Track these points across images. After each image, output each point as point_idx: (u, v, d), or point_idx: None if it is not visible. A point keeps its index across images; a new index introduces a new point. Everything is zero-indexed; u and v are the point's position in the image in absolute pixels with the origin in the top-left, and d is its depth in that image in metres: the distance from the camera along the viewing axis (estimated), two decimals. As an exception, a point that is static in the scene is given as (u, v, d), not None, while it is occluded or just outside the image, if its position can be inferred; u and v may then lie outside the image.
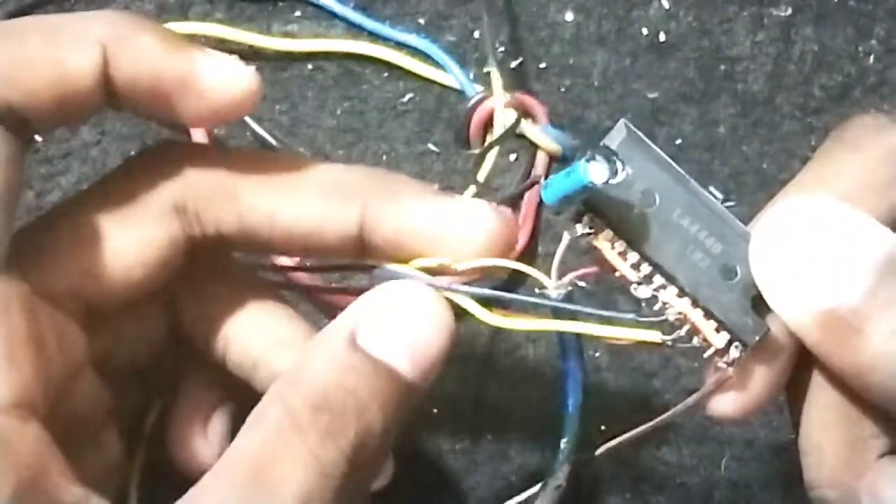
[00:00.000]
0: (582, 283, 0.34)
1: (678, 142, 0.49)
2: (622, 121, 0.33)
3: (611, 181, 0.31)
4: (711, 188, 0.49)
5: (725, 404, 0.34)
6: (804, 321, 0.32)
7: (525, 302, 0.34)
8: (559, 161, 0.49)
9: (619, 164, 0.31)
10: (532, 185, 0.33)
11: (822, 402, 0.34)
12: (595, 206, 0.33)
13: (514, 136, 0.49)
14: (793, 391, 0.34)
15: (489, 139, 0.49)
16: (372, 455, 0.31)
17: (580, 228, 0.33)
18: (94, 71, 0.32)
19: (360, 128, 0.50)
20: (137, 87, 0.33)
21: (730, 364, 0.33)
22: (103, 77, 0.32)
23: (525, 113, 0.48)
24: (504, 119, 0.47)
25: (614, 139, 0.33)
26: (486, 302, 0.34)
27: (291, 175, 0.34)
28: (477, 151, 0.49)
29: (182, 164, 0.35)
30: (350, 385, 0.31)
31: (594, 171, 0.31)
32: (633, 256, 0.33)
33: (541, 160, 0.49)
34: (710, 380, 0.33)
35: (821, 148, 0.36)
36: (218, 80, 0.33)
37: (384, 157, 0.49)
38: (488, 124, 0.49)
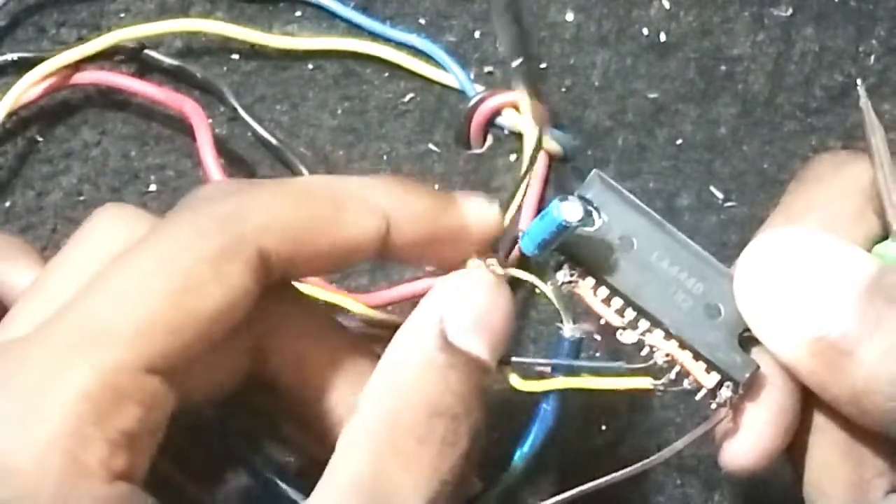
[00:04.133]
0: (597, 336, 0.34)
1: (678, 142, 0.49)
2: (594, 171, 0.33)
3: (587, 229, 0.31)
4: (712, 188, 0.49)
5: (737, 454, 0.33)
6: (796, 351, 0.32)
7: (526, 361, 0.35)
8: (560, 161, 0.49)
9: (594, 213, 0.31)
10: (515, 242, 0.34)
11: (823, 446, 0.33)
12: (574, 255, 0.33)
13: (514, 135, 0.49)
14: (792, 444, 0.34)
15: (489, 140, 0.49)
16: (478, 452, 0.31)
17: (561, 276, 0.33)
18: (376, 239, 0.33)
19: (360, 128, 0.50)
20: (413, 246, 0.34)
21: (722, 404, 0.32)
22: (382, 241, 0.33)
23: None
24: (530, 125, 0.47)
25: (588, 189, 0.33)
26: None
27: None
28: (479, 151, 0.49)
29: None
30: (454, 386, 0.31)
31: (567, 210, 0.31)
32: (617, 302, 0.33)
33: (541, 160, 0.49)
34: (707, 421, 0.33)
35: (787, 189, 0.36)
36: (481, 226, 0.34)
37: (384, 157, 0.49)
38: (489, 124, 0.49)
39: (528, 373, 0.35)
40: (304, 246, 0.32)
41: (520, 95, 0.46)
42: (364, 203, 0.33)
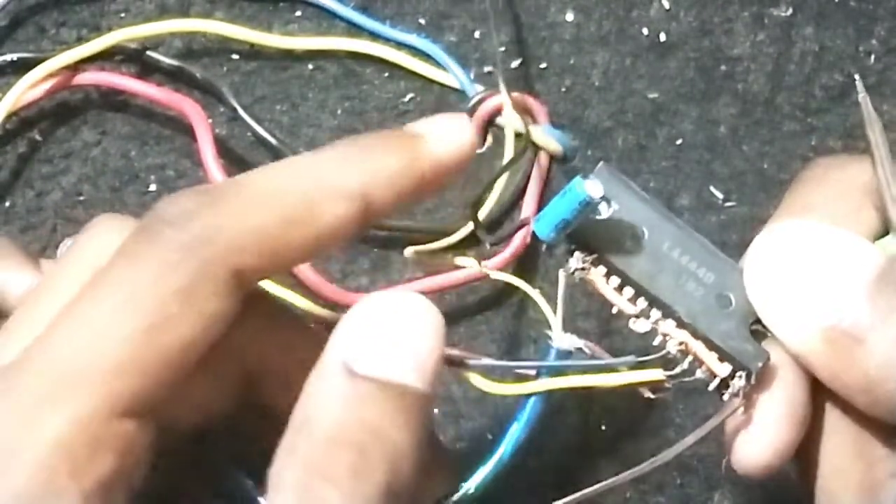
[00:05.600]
0: (587, 350, 0.34)
1: (678, 142, 0.49)
2: (602, 162, 0.33)
3: (598, 216, 0.31)
4: (712, 188, 0.49)
5: (751, 452, 0.33)
6: (808, 341, 0.32)
7: (521, 366, 0.34)
8: (559, 161, 0.49)
9: (604, 202, 0.31)
10: (522, 225, 0.33)
11: (835, 448, 0.33)
12: (586, 242, 0.32)
13: (514, 136, 0.49)
14: (802, 449, 0.34)
15: (489, 140, 0.49)
16: (407, 480, 0.30)
17: (574, 263, 0.33)
18: (354, 222, 0.31)
19: (360, 128, 0.50)
20: (393, 207, 0.32)
21: (735, 394, 0.32)
22: (361, 220, 0.31)
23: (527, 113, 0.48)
24: (511, 123, 0.47)
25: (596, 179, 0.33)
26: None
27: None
28: (479, 151, 0.49)
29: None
30: (363, 416, 0.29)
31: (591, 187, 0.31)
32: (629, 291, 0.33)
33: (541, 160, 0.49)
34: (719, 412, 0.33)
35: (787, 191, 0.36)
36: (456, 155, 0.33)
37: (384, 157, 0.49)
38: (489, 124, 0.49)
39: (509, 375, 0.34)
40: (279, 253, 0.30)
41: (503, 97, 0.46)
42: (339, 189, 0.31)
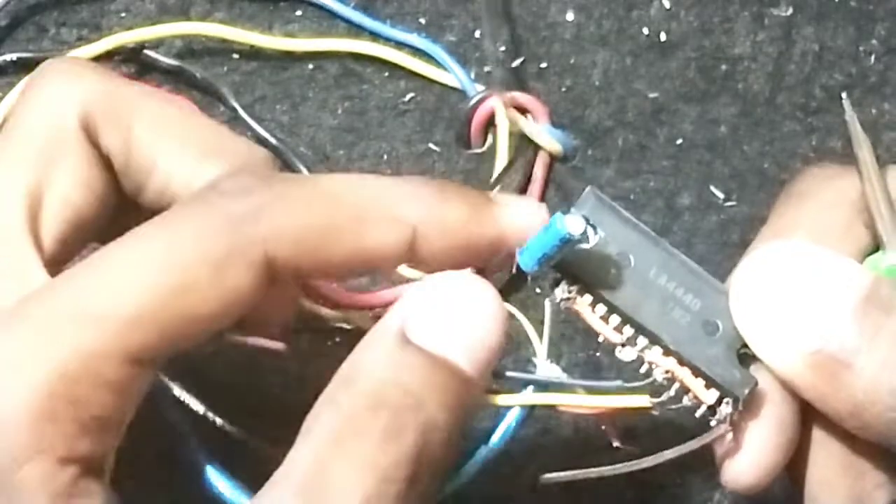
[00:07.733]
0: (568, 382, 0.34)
1: (678, 142, 0.49)
2: (589, 188, 0.33)
3: (584, 245, 0.31)
4: (712, 188, 0.49)
5: (740, 473, 0.33)
6: (794, 365, 0.32)
7: (507, 378, 0.34)
8: (560, 161, 0.49)
9: (590, 229, 0.31)
10: (509, 256, 0.33)
11: (822, 461, 0.33)
12: (571, 272, 0.32)
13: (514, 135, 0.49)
14: (792, 461, 0.34)
15: (489, 141, 0.49)
16: (437, 457, 0.30)
17: (559, 294, 0.33)
18: (399, 251, 0.31)
19: (360, 127, 0.50)
20: (442, 257, 0.32)
21: (722, 421, 0.32)
22: (406, 252, 0.32)
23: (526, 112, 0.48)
24: (505, 121, 0.47)
25: (583, 205, 0.33)
26: None
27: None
28: (480, 151, 0.49)
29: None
30: (406, 382, 0.29)
31: (571, 223, 0.30)
32: (615, 319, 0.32)
33: (541, 160, 0.49)
34: (705, 435, 0.33)
35: (776, 203, 0.36)
36: (520, 234, 0.32)
37: (385, 157, 0.49)
38: (489, 124, 0.49)
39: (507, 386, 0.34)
40: (317, 255, 0.31)
41: (497, 101, 0.46)
42: (390, 212, 0.31)
